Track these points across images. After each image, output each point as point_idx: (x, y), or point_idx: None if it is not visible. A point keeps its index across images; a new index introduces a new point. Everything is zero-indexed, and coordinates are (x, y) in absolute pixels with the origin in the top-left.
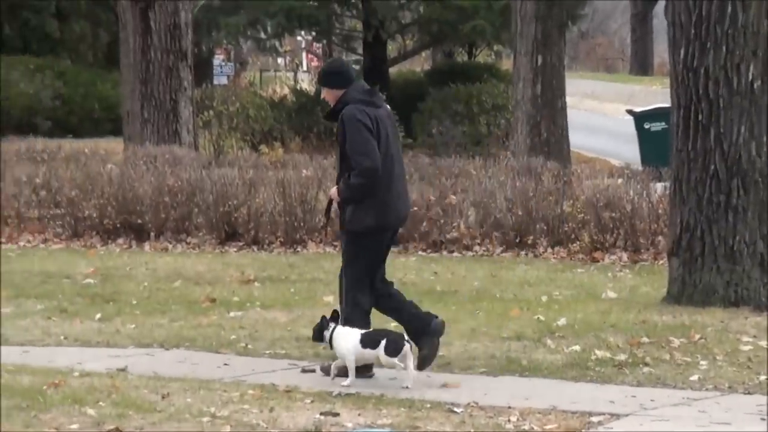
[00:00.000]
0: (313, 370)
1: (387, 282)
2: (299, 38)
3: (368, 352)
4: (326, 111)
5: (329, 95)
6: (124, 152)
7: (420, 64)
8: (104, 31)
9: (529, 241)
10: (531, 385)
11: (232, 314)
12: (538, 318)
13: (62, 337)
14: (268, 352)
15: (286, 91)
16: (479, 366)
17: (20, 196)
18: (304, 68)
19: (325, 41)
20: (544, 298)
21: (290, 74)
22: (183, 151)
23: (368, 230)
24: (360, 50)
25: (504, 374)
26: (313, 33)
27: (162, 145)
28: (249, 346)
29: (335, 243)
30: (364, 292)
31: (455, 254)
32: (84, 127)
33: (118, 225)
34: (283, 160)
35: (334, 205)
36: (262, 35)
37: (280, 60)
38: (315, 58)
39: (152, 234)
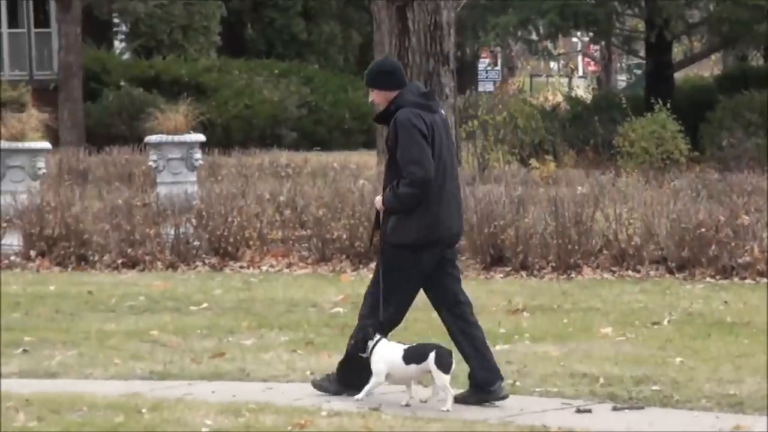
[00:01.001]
0: (589, 410)
1: (466, 304)
2: (575, 39)
3: (413, 367)
4: (376, 113)
5: (379, 97)
6: (377, 167)
7: (709, 69)
8: (356, 32)
9: None
10: None
11: (498, 348)
12: None
13: (308, 372)
14: (538, 389)
15: (560, 98)
16: None
17: (263, 215)
18: (580, 73)
19: (603, 43)
20: None
21: (564, 80)
22: None
23: (410, 244)
24: (642, 53)
25: None
26: (591, 33)
27: None
28: (517, 383)
29: (613, 269)
30: (395, 310)
31: (747, 281)
32: (333, 138)
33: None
34: (555, 176)
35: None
36: (534, 36)
37: (553, 64)
38: (592, 62)
39: None
